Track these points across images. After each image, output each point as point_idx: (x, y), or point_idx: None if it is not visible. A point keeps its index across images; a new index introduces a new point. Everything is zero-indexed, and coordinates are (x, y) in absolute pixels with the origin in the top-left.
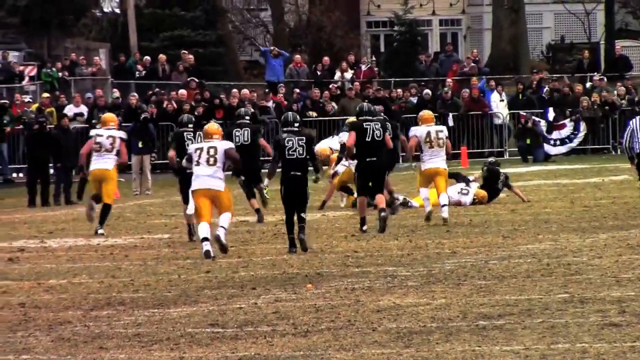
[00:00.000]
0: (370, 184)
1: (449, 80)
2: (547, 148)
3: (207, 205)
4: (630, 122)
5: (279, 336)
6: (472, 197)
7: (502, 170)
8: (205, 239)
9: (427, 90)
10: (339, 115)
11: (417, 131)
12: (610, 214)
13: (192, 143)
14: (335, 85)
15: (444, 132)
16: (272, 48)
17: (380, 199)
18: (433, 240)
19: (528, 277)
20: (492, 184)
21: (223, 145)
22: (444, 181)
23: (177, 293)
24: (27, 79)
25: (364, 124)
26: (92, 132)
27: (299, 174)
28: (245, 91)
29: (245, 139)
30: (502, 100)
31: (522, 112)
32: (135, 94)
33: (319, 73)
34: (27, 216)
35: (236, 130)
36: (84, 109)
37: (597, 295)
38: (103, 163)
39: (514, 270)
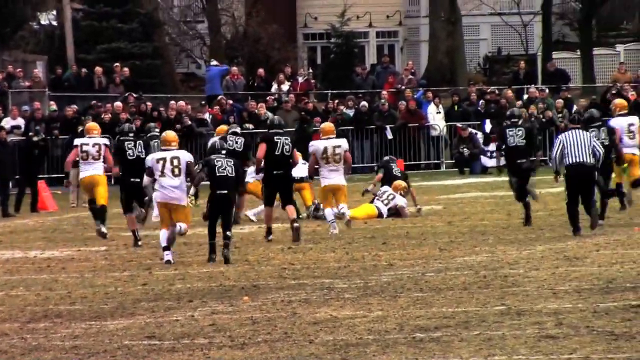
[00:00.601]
0: (277, 195)
1: (384, 92)
2: (484, 160)
3: (169, 215)
4: (560, 136)
5: (215, 349)
6: (399, 202)
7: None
8: (166, 247)
9: (364, 103)
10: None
11: (314, 146)
12: (547, 226)
13: (133, 152)
14: (273, 97)
15: (342, 146)
16: (212, 60)
17: (291, 210)
18: (370, 253)
19: (465, 290)
20: (391, 179)
21: (185, 156)
22: (344, 196)
23: (114, 305)
24: None
25: (275, 137)
26: (77, 141)
27: (225, 192)
28: (182, 103)
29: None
30: (438, 112)
31: (459, 125)
32: (74, 106)
33: (255, 85)
34: None
35: (127, 143)
36: (20, 121)
37: (533, 307)
38: (92, 170)
39: (450, 283)
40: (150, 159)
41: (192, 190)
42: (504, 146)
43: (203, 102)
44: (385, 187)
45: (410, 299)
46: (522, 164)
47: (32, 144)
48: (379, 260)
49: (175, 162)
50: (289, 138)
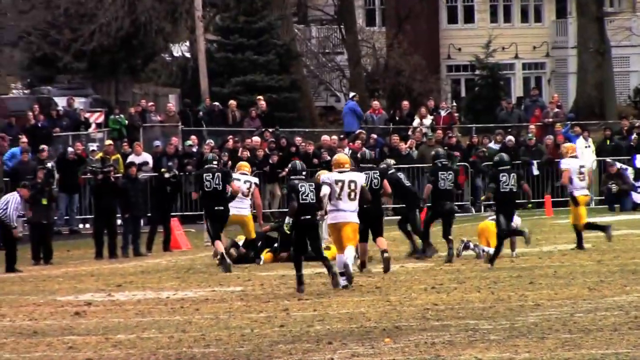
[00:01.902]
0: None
1: (532, 126)
2: (635, 196)
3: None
4: None
5: None
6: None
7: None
8: (342, 273)
9: (510, 137)
10: (418, 162)
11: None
12: None
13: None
14: (420, 133)
15: (357, 181)
16: (353, 95)
17: (381, 242)
18: (516, 292)
19: (615, 331)
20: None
21: (360, 180)
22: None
23: (250, 348)
24: (93, 126)
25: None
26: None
27: (309, 217)
28: (326, 138)
29: (217, 183)
30: (587, 147)
31: (608, 160)
32: (211, 142)
33: (397, 118)
34: (94, 268)
35: (206, 175)
36: (146, 157)
37: None
38: (240, 209)
39: (600, 323)
40: (328, 178)
41: (287, 219)
42: None
43: (342, 137)
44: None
45: (559, 341)
46: None
47: (164, 180)
48: (525, 300)
49: (352, 186)
50: (377, 172)
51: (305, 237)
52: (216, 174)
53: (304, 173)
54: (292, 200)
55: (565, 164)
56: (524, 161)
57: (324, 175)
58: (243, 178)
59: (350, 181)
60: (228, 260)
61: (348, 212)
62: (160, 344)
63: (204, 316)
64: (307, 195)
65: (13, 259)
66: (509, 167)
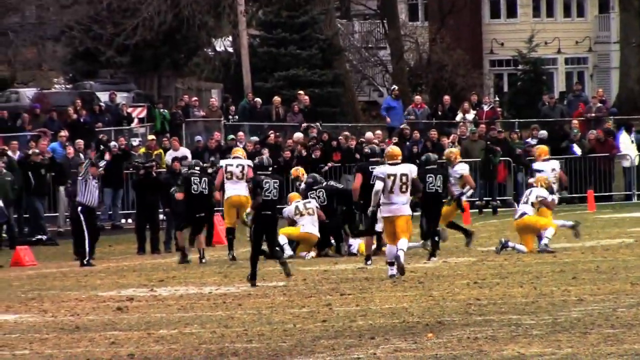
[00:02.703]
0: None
1: (575, 121)
2: None
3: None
4: None
5: None
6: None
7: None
8: (391, 263)
9: (543, 131)
10: (463, 158)
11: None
12: None
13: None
14: (464, 129)
15: (409, 174)
16: (393, 88)
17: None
18: (559, 288)
19: None
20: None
21: (413, 172)
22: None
23: (293, 343)
24: (136, 120)
25: (370, 167)
26: (222, 163)
27: (269, 213)
28: (370, 134)
29: (203, 187)
30: (632, 142)
31: None
32: (255, 138)
33: (440, 113)
34: (136, 264)
35: (194, 178)
36: (185, 152)
37: None
38: (239, 190)
39: None
40: (382, 173)
41: (247, 210)
42: None
43: (389, 134)
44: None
45: (601, 336)
46: None
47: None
48: (568, 295)
49: (404, 179)
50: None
51: (264, 233)
52: (203, 178)
53: (270, 169)
54: (258, 195)
55: (539, 166)
56: (564, 147)
57: (377, 169)
58: (235, 162)
59: (402, 174)
60: (189, 257)
61: (400, 205)
62: (202, 339)
63: (247, 311)
64: (269, 192)
65: (90, 249)
66: (435, 167)
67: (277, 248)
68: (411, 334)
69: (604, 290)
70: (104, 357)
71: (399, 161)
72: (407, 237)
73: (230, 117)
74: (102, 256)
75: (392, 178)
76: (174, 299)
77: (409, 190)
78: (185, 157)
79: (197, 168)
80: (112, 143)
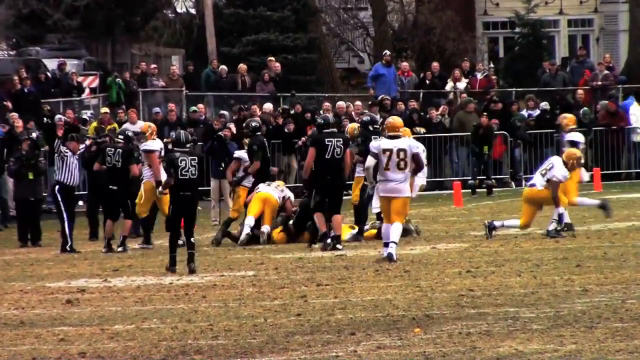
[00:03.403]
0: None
1: (580, 90)
2: None
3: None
4: None
5: None
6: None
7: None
8: (387, 244)
9: (545, 103)
10: (457, 131)
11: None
12: None
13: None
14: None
15: (407, 149)
16: (385, 53)
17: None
18: (561, 277)
19: None
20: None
21: (411, 147)
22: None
23: (264, 339)
24: (87, 91)
25: (326, 139)
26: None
27: (189, 194)
28: (341, 103)
29: (116, 160)
30: None
31: None
32: (225, 114)
33: (428, 82)
34: (88, 251)
35: (109, 149)
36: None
37: None
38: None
39: None
40: (376, 147)
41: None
42: None
43: (370, 103)
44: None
45: (609, 330)
46: None
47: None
48: (571, 285)
49: (402, 155)
50: (341, 139)
51: (182, 215)
52: (117, 149)
53: (188, 145)
54: (170, 176)
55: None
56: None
57: (372, 143)
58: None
59: (400, 149)
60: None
61: (398, 183)
62: (162, 336)
63: (212, 304)
64: (187, 170)
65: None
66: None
67: (192, 240)
68: (396, 329)
69: (612, 280)
70: (52, 355)
71: (400, 134)
72: (401, 221)
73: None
74: (49, 242)
75: (387, 153)
76: (130, 291)
77: (407, 167)
78: (143, 134)
79: (121, 137)
80: (57, 116)
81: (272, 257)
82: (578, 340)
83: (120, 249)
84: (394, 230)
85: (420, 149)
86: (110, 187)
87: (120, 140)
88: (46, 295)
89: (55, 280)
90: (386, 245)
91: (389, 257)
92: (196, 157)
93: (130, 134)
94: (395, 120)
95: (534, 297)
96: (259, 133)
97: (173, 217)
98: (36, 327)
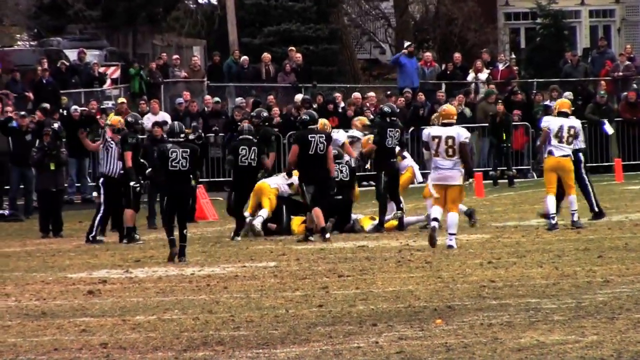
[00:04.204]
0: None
1: (602, 81)
2: None
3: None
4: None
5: None
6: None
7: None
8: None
9: (568, 93)
10: (477, 122)
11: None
12: None
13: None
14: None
15: (455, 137)
16: (407, 44)
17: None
18: (583, 268)
19: None
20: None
21: (460, 135)
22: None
23: (285, 330)
24: (108, 82)
25: (310, 136)
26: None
27: (179, 187)
28: (357, 95)
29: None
30: None
31: None
32: (243, 102)
33: (449, 73)
34: (109, 241)
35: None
36: (164, 116)
37: None
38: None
39: None
40: (426, 135)
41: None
42: None
43: (389, 93)
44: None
45: (630, 321)
46: None
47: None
48: (593, 276)
49: (450, 142)
50: (323, 136)
51: (175, 208)
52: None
53: (182, 136)
54: (156, 167)
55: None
56: (592, 120)
57: (423, 132)
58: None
59: (448, 137)
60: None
61: (447, 170)
62: (184, 327)
63: (233, 295)
64: (177, 162)
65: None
66: (250, 139)
67: (185, 232)
68: (417, 320)
69: (633, 271)
70: (74, 346)
71: (454, 121)
72: (456, 210)
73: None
74: (71, 233)
75: (436, 140)
76: (151, 282)
77: (456, 154)
78: (165, 123)
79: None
80: (73, 107)
81: (293, 248)
82: (599, 331)
83: (124, 241)
84: (450, 221)
85: (468, 139)
86: (120, 172)
87: (124, 128)
88: (68, 286)
89: (76, 271)
90: (452, 235)
91: (449, 247)
92: (188, 149)
93: (130, 119)
94: (449, 108)
95: (555, 288)
96: (267, 123)
97: (166, 209)
98: (58, 318)
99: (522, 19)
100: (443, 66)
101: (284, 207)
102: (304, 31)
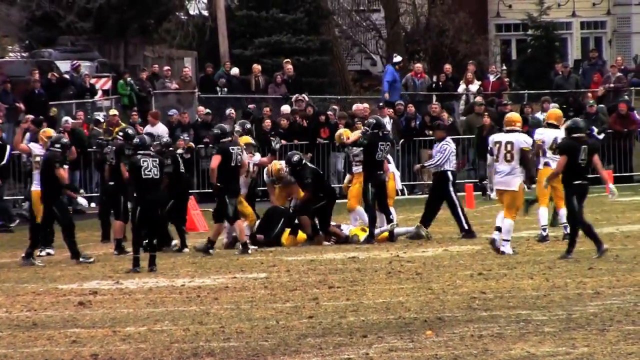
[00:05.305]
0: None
1: (590, 93)
2: None
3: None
4: None
5: None
6: None
7: None
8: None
9: (554, 105)
10: (465, 134)
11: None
12: None
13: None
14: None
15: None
16: (396, 56)
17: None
18: (573, 279)
19: None
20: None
21: (519, 142)
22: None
23: (275, 342)
24: (100, 93)
25: (230, 148)
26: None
27: (151, 197)
28: (360, 106)
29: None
30: None
31: None
32: (232, 112)
33: (440, 84)
34: (100, 253)
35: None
36: (161, 128)
37: None
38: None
39: None
40: (490, 140)
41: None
42: None
43: (381, 105)
44: None
45: (621, 333)
46: None
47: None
48: (584, 288)
49: (509, 147)
50: (241, 149)
51: (146, 217)
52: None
53: (151, 148)
54: (131, 179)
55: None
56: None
57: (489, 137)
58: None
59: (507, 142)
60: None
61: (504, 175)
62: (174, 338)
63: (224, 306)
64: (149, 171)
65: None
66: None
67: (154, 242)
68: (408, 332)
69: (624, 283)
70: (65, 357)
71: (517, 128)
72: (511, 217)
73: (219, 88)
74: (62, 244)
75: (497, 146)
76: (142, 293)
77: (514, 160)
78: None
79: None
80: (65, 118)
81: (283, 259)
82: (590, 343)
83: (115, 252)
84: (504, 227)
85: (529, 144)
86: (110, 183)
87: (120, 138)
88: (58, 297)
89: (67, 282)
90: (506, 241)
91: (501, 253)
92: (157, 159)
93: (130, 131)
94: (513, 115)
95: (546, 300)
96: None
97: (137, 219)
98: (48, 329)
99: (514, 31)
100: (434, 77)
101: (282, 220)
102: (295, 42)
